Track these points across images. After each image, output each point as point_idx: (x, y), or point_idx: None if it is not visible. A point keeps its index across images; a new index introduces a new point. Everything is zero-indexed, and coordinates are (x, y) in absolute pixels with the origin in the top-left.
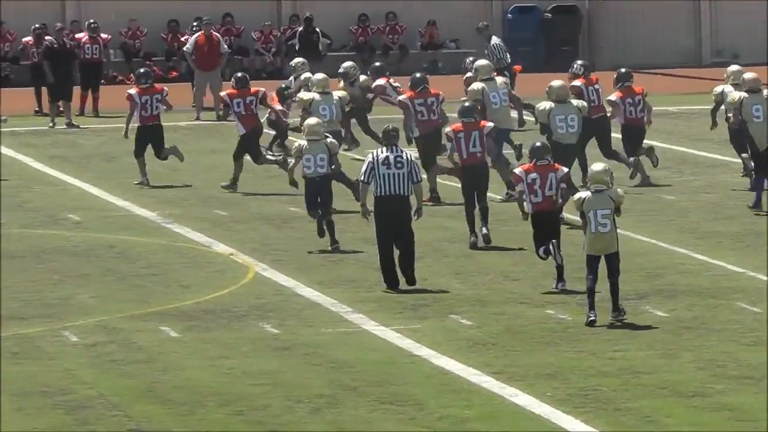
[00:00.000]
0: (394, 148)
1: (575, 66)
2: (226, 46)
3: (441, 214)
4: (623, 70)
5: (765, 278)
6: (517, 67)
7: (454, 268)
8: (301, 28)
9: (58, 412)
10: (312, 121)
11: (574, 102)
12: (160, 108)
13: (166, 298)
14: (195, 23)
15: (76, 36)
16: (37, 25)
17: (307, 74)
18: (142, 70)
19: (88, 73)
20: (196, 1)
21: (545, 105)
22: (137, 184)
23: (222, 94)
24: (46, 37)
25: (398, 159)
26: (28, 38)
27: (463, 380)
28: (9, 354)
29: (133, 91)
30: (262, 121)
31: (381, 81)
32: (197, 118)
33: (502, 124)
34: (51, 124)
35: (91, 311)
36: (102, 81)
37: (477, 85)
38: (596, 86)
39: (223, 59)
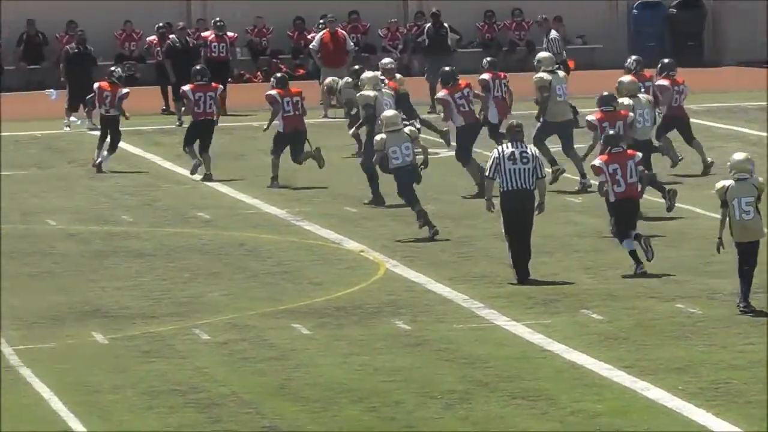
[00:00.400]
0: (518, 143)
1: (629, 61)
2: (352, 44)
3: (570, 209)
4: (666, 60)
5: None
6: (571, 63)
7: (584, 262)
8: (429, 24)
9: (189, 410)
10: (389, 113)
11: (642, 97)
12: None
13: (297, 295)
14: (321, 20)
15: (203, 34)
16: (160, 24)
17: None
18: (198, 67)
19: (214, 71)
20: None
21: (628, 101)
22: (192, 172)
23: (272, 92)
24: (170, 36)
25: (524, 154)
26: (153, 37)
27: (594, 374)
28: (139, 352)
29: (187, 87)
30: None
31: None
32: (325, 116)
33: (562, 117)
34: (178, 123)
35: (222, 309)
36: (229, 79)
37: (545, 75)
38: (646, 84)
39: (350, 56)
